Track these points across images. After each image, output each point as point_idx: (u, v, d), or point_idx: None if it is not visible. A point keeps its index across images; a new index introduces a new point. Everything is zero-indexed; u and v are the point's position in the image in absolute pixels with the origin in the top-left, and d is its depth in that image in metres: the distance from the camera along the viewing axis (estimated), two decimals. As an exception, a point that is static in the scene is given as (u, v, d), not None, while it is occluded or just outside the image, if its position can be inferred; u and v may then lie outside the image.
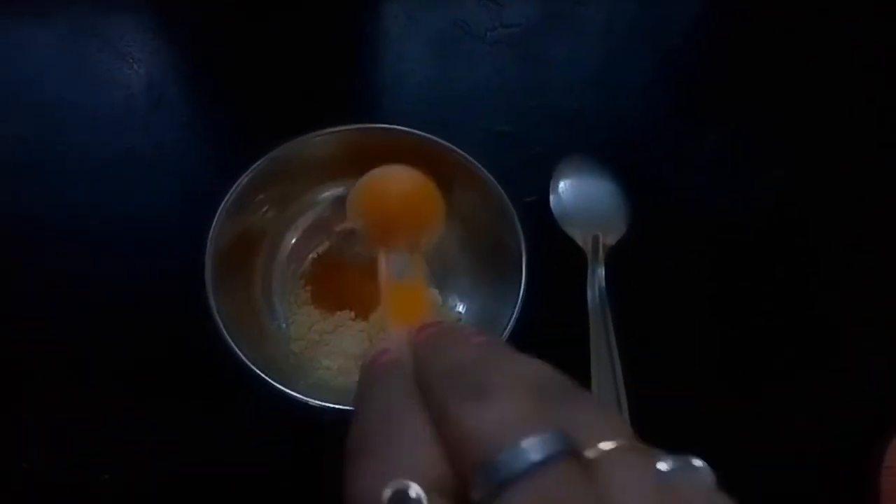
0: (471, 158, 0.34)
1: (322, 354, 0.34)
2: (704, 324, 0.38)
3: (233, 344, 0.30)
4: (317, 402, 0.29)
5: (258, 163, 0.33)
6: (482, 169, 0.34)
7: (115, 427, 0.33)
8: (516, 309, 0.31)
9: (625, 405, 0.33)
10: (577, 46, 0.46)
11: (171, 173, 0.40)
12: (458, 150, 0.34)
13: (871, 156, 0.43)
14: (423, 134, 0.34)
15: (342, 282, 0.35)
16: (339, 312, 0.35)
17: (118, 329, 0.35)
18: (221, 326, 0.30)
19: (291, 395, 0.29)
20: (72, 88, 0.43)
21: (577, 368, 0.32)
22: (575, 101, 0.44)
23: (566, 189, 0.39)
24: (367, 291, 0.35)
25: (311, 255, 0.36)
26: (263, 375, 0.29)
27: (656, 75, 0.45)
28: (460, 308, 0.35)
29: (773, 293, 0.39)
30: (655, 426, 0.32)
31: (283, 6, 0.45)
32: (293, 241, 0.36)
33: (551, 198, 0.39)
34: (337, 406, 0.29)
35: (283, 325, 0.35)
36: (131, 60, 0.44)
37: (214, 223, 0.32)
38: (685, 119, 0.44)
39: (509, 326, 0.31)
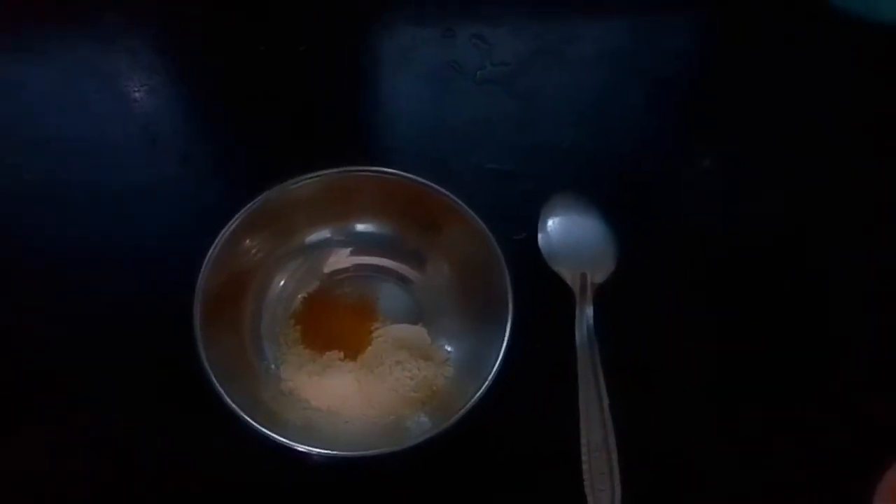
0: (459, 200, 0.35)
1: (311, 395, 0.34)
2: (695, 362, 0.37)
3: (220, 387, 0.30)
4: (303, 446, 0.29)
5: (248, 206, 0.34)
6: (470, 211, 0.34)
7: (96, 454, 0.34)
8: (502, 350, 0.31)
9: (613, 446, 0.33)
10: (566, 83, 0.46)
11: (168, 207, 0.41)
12: (446, 192, 0.35)
13: (866, 180, 0.43)
14: (410, 176, 0.35)
15: (331, 322, 0.36)
16: (328, 353, 0.35)
17: (108, 359, 0.36)
18: (208, 368, 0.31)
19: (278, 439, 0.30)
20: (71, 125, 0.43)
21: (565, 407, 0.33)
22: (565, 137, 0.44)
23: (554, 227, 0.39)
24: (356, 332, 0.35)
25: (301, 295, 0.37)
26: (251, 421, 0.30)
27: (646, 110, 0.46)
28: (449, 347, 0.35)
29: (768, 329, 0.39)
30: (644, 465, 0.33)
31: (277, 46, 0.46)
32: (282, 282, 0.37)
33: (539, 236, 0.39)
34: (324, 451, 0.29)
35: (273, 366, 0.35)
36: (129, 99, 0.44)
37: (203, 267, 0.33)
38: (676, 152, 0.45)
39: (496, 367, 0.31)
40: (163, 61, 0.47)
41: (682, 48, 0.50)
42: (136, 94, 0.45)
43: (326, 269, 0.37)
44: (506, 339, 0.31)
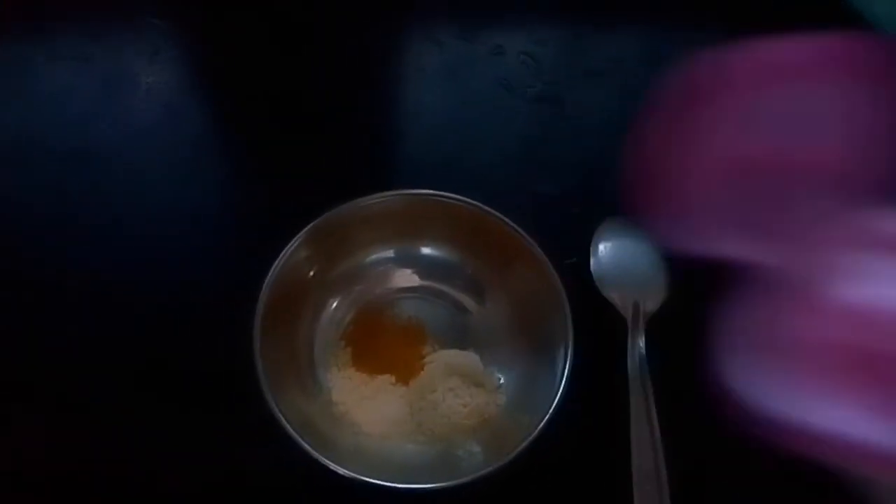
0: (525, 234, 0.34)
1: (362, 419, 0.34)
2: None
3: (274, 406, 0.30)
4: (358, 475, 0.29)
5: (308, 226, 0.34)
6: (535, 245, 0.34)
7: (142, 459, 0.34)
8: (561, 386, 0.31)
9: (664, 476, 0.33)
10: (615, 103, 0.46)
11: (216, 223, 0.41)
12: (514, 224, 0.35)
13: None
14: (470, 201, 0.35)
15: (382, 345, 0.36)
16: (379, 376, 0.35)
17: (160, 374, 0.36)
18: (265, 387, 0.31)
19: (330, 465, 0.30)
20: (115, 134, 0.43)
21: (618, 436, 0.33)
22: (615, 159, 0.44)
23: (605, 253, 0.39)
24: (408, 356, 0.35)
25: (352, 317, 0.36)
26: (304, 444, 0.30)
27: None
28: (500, 375, 0.35)
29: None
30: (696, 496, 0.32)
31: (328, 66, 0.46)
32: (336, 302, 0.37)
33: (591, 261, 0.39)
34: (369, 480, 0.29)
35: (325, 388, 0.35)
36: (174, 109, 0.44)
37: (266, 282, 0.33)
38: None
39: (554, 404, 0.31)
40: (211, 73, 0.47)
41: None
42: (182, 105, 0.45)
43: (381, 291, 0.37)
44: (565, 375, 0.31)
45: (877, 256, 0.19)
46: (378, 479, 0.30)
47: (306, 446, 0.30)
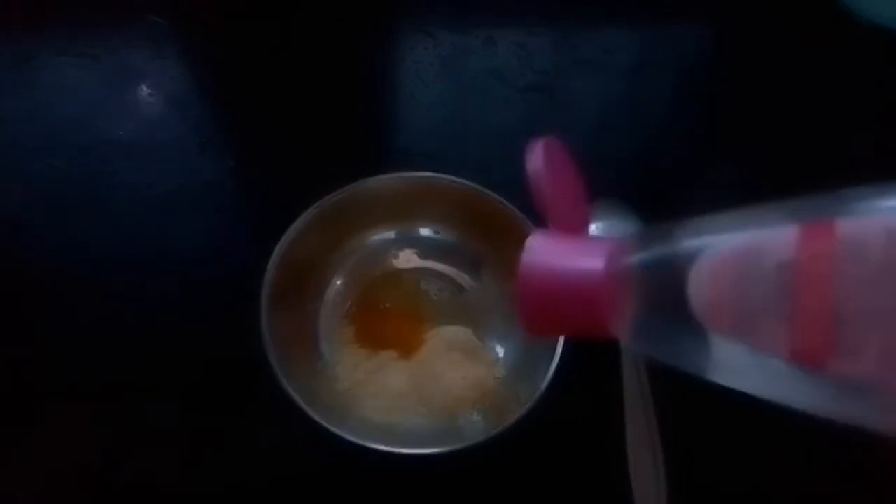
0: (516, 209, 0.36)
1: (367, 394, 0.35)
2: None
3: (283, 380, 0.32)
4: (370, 443, 0.30)
5: (312, 208, 0.35)
6: (526, 219, 0.35)
7: (156, 440, 0.35)
8: (555, 359, 0.33)
9: (658, 446, 0.34)
10: (605, 92, 0.47)
11: (219, 211, 0.42)
12: (506, 202, 0.36)
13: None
14: (468, 183, 0.36)
15: (384, 322, 0.37)
16: (382, 352, 0.36)
17: (168, 355, 0.37)
18: (274, 364, 0.32)
19: (338, 434, 0.31)
20: (121, 128, 0.44)
21: (611, 404, 0.34)
22: (604, 145, 0.45)
23: (597, 232, 0.40)
24: (409, 331, 0.37)
25: (355, 296, 0.38)
26: (315, 415, 0.31)
27: (687, 120, 0.47)
28: (499, 348, 0.37)
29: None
30: (690, 465, 0.34)
31: (322, 55, 0.47)
32: (339, 281, 0.38)
33: (584, 241, 0.40)
34: (376, 446, 0.31)
35: (330, 364, 0.36)
36: (178, 103, 0.45)
37: (270, 265, 0.34)
38: (718, 162, 0.45)
39: (549, 374, 0.32)
40: (212, 66, 0.48)
41: (715, 57, 0.50)
42: (186, 99, 0.46)
43: (383, 271, 0.38)
44: (560, 346, 0.32)
45: None
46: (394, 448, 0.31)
47: (316, 417, 0.31)
